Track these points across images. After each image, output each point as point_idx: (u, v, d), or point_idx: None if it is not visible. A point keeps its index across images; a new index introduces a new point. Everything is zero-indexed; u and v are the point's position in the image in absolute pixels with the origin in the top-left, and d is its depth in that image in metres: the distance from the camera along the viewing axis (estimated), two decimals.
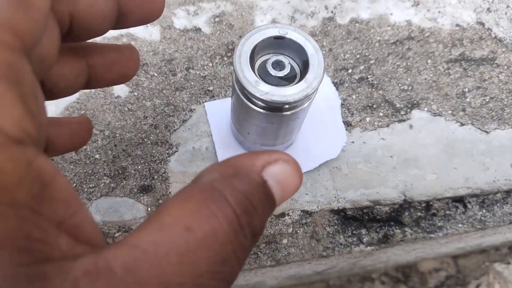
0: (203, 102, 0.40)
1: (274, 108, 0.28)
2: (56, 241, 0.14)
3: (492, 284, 0.74)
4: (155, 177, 0.37)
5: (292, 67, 0.29)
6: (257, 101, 0.27)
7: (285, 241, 0.36)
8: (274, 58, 0.29)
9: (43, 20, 0.15)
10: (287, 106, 0.28)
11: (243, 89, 0.27)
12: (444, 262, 0.75)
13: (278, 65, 0.29)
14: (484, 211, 0.39)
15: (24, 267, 0.13)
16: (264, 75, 0.29)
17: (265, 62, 0.29)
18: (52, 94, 0.23)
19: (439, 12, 0.46)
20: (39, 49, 0.17)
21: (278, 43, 0.29)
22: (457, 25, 0.45)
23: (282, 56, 0.29)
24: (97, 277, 0.13)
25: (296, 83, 0.28)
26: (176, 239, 0.15)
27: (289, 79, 0.29)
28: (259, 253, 0.36)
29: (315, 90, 0.27)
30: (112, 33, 0.42)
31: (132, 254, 0.14)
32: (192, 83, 0.41)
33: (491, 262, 0.75)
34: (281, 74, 0.28)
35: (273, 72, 0.28)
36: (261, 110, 0.28)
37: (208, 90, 0.40)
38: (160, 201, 0.36)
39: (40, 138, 0.14)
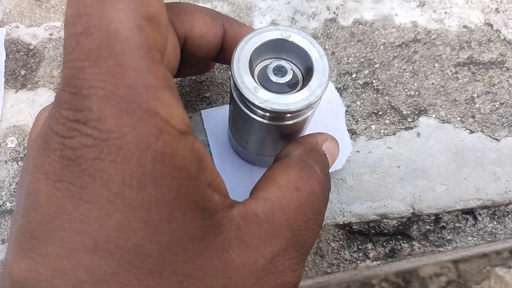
0: (199, 110, 0.38)
1: (275, 117, 0.25)
2: (214, 199, 0.18)
3: None
4: None
5: (294, 73, 0.27)
6: (256, 109, 0.25)
7: None
8: (275, 63, 0.26)
9: (167, 34, 0.18)
10: (288, 115, 0.25)
11: (241, 96, 0.25)
12: (444, 267, 0.74)
13: (280, 70, 0.26)
14: (495, 223, 0.37)
15: (200, 221, 0.17)
16: (265, 81, 0.26)
17: (265, 67, 0.27)
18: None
19: (446, 13, 0.44)
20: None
21: (280, 47, 0.27)
22: (465, 26, 0.43)
23: (284, 61, 0.27)
24: (250, 220, 0.19)
25: (298, 90, 0.25)
26: (291, 195, 0.21)
27: (291, 86, 0.27)
28: None
29: (319, 99, 0.25)
30: None
31: (267, 205, 0.20)
32: (188, 89, 0.38)
33: (492, 266, 0.74)
34: (283, 80, 0.26)
35: (274, 78, 0.26)
36: (260, 119, 0.26)
37: (205, 96, 0.38)
38: None
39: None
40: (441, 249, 0.37)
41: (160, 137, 0.16)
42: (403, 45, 0.42)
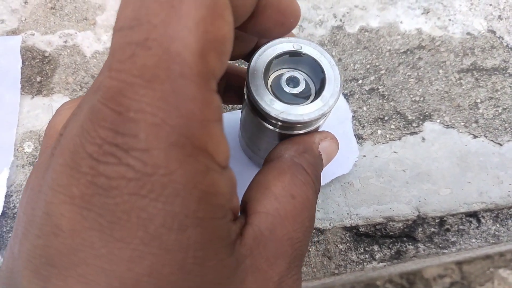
0: None
1: (288, 127, 0.27)
2: (234, 228, 0.18)
3: None
4: None
5: (307, 83, 0.28)
6: (270, 120, 0.26)
7: None
8: (288, 74, 0.27)
9: (227, 63, 0.16)
10: (300, 125, 0.26)
11: (256, 107, 0.26)
12: (448, 269, 0.75)
13: (293, 81, 0.27)
14: (498, 225, 0.38)
15: (227, 259, 0.17)
16: (278, 92, 0.27)
17: (278, 78, 0.28)
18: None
19: (450, 20, 0.45)
20: None
21: (293, 58, 0.27)
22: (468, 33, 0.44)
23: (297, 72, 0.28)
24: (259, 242, 0.19)
25: (312, 100, 0.26)
26: (288, 205, 0.20)
27: (303, 96, 0.28)
28: None
29: (332, 108, 0.26)
30: None
31: (268, 219, 0.19)
32: None
33: (496, 268, 0.75)
34: (296, 91, 0.27)
35: (287, 89, 0.27)
36: (274, 128, 0.27)
37: None
38: None
39: None
40: (445, 251, 0.38)
41: (207, 175, 0.15)
42: (408, 52, 0.43)
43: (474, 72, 0.42)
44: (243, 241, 0.18)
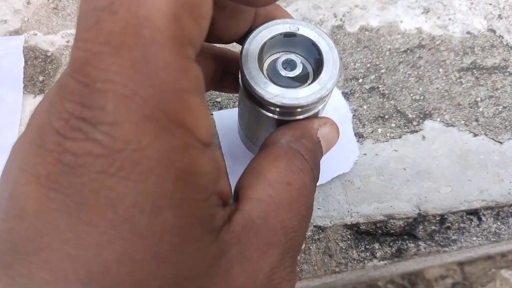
0: (211, 114, 0.39)
1: (285, 113, 0.25)
2: (220, 214, 0.16)
3: None
4: None
5: (304, 66, 0.26)
6: (266, 105, 0.25)
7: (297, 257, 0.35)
8: (284, 57, 0.25)
9: (207, 27, 0.15)
10: (299, 110, 0.25)
11: (250, 91, 0.24)
12: (450, 269, 0.75)
13: (289, 64, 0.26)
14: (498, 223, 0.38)
15: (209, 247, 0.15)
16: (274, 76, 0.26)
17: (274, 61, 0.26)
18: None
19: (450, 19, 0.45)
20: None
21: (289, 40, 0.26)
22: (468, 32, 0.45)
23: (293, 54, 0.26)
24: (249, 229, 0.17)
25: (309, 84, 0.24)
26: (283, 192, 0.19)
27: (301, 80, 0.26)
28: None
29: (330, 92, 0.24)
30: None
31: (261, 207, 0.18)
32: None
33: (498, 268, 0.75)
34: (292, 74, 0.25)
35: (283, 72, 0.25)
36: (271, 115, 0.25)
37: (216, 101, 0.40)
38: None
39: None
40: (446, 249, 0.38)
41: (185, 152, 0.14)
42: (408, 51, 0.43)
43: (474, 71, 0.43)
44: (231, 228, 0.17)
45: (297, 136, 0.22)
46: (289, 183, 0.19)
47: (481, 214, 0.38)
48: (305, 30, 0.25)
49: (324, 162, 0.37)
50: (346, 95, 0.40)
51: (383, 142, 0.39)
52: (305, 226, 0.20)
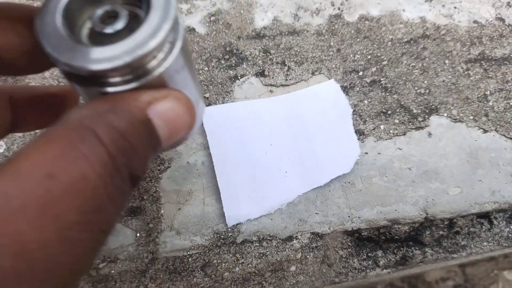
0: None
1: (90, 80, 0.17)
2: None
3: None
4: (145, 197, 0.32)
5: (134, 16, 0.19)
6: (64, 72, 0.18)
7: (293, 268, 0.32)
8: (101, 10, 0.19)
9: None
10: (110, 77, 0.17)
11: (53, 61, 0.17)
12: (451, 271, 0.72)
13: (111, 17, 0.19)
14: (511, 227, 0.35)
15: None
16: (96, 39, 0.19)
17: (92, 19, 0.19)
18: None
19: (455, 7, 0.42)
20: None
21: None
22: (475, 21, 0.42)
23: (118, 5, 0.19)
24: None
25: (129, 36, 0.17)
26: (35, 188, 0.13)
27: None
28: (263, 282, 0.31)
29: (163, 45, 0.17)
30: None
31: None
32: None
33: (500, 270, 0.72)
34: (112, 29, 0.18)
35: (99, 27, 0.18)
36: (76, 85, 0.18)
37: (204, 97, 0.36)
38: (151, 225, 0.31)
39: None
40: (454, 255, 0.35)
41: None
42: (412, 41, 0.40)
43: (482, 62, 0.39)
44: None
45: (101, 110, 0.15)
46: (51, 175, 0.13)
47: (492, 217, 0.35)
48: None
49: (323, 162, 0.34)
50: (345, 89, 0.37)
51: (386, 139, 0.36)
52: (85, 240, 0.14)
